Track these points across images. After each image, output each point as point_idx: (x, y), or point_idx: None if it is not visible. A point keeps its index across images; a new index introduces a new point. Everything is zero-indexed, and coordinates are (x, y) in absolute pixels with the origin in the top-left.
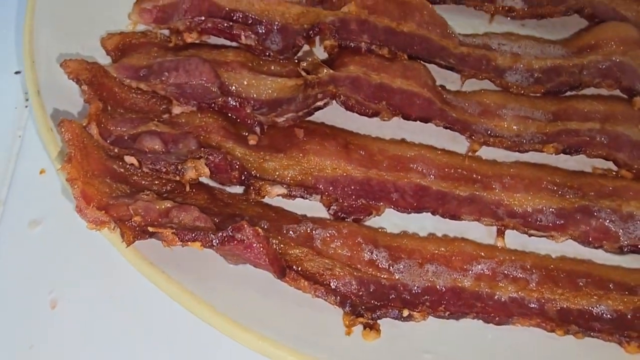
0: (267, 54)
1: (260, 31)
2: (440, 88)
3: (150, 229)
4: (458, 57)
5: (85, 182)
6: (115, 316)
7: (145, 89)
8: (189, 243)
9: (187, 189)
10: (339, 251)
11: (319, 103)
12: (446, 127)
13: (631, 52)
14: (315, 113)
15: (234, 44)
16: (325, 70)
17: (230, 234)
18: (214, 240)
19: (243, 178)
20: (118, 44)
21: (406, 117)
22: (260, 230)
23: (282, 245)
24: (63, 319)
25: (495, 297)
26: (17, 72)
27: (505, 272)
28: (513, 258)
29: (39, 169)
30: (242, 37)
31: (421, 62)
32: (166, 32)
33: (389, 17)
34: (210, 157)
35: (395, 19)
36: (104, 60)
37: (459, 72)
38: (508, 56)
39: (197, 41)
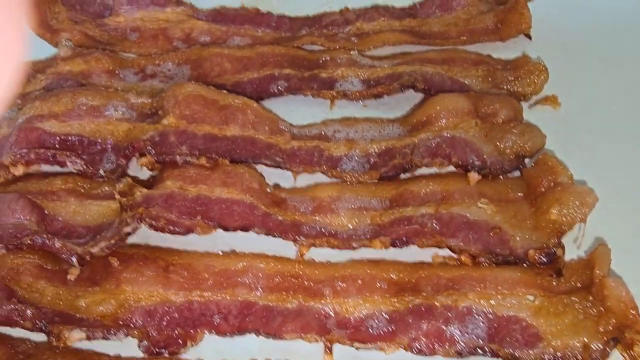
0: (99, 175)
1: (95, 151)
2: (273, 188)
3: None
4: (289, 152)
5: None
6: None
7: None
8: None
9: None
10: None
11: (127, 228)
12: (267, 234)
13: (463, 123)
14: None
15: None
16: (138, 192)
17: None
18: None
19: (38, 326)
20: None
21: (225, 229)
22: None
23: None
24: None
25: None
26: None
27: None
28: None
29: None
30: (68, 163)
31: (249, 164)
32: None
33: (210, 124)
34: None
35: (217, 124)
36: None
37: (287, 169)
38: (342, 143)
39: (30, 171)
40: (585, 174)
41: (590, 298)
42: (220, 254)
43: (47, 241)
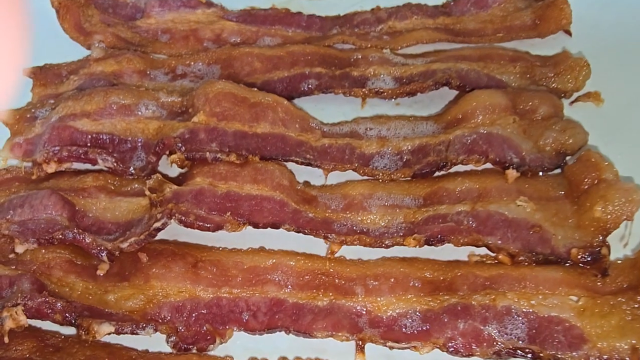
0: (129, 173)
1: (125, 149)
2: (302, 185)
3: None
4: (319, 150)
5: None
6: None
7: None
8: None
9: (6, 340)
10: None
11: (157, 224)
12: (297, 232)
13: (500, 120)
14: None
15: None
16: (168, 188)
17: None
18: None
19: (68, 319)
20: None
21: (255, 225)
22: None
23: None
24: None
25: None
26: None
27: None
28: None
29: None
30: (99, 161)
31: (279, 161)
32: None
33: (240, 121)
34: (29, 302)
35: (247, 122)
36: None
37: (318, 167)
38: (374, 141)
39: (62, 169)
40: (632, 171)
41: (639, 299)
42: (250, 250)
43: (78, 236)
